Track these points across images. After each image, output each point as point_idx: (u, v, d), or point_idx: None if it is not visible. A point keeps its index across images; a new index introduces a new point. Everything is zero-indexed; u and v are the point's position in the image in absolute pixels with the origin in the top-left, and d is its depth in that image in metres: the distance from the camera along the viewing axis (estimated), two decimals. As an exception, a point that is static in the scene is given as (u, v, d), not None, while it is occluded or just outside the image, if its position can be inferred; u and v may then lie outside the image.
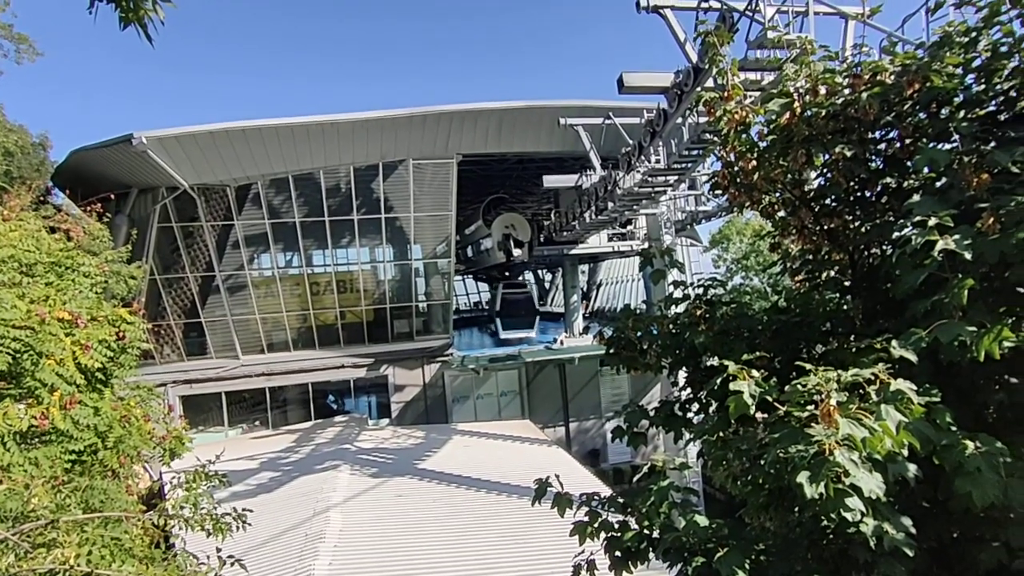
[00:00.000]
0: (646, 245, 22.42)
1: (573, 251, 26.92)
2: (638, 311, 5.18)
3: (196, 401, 23.72)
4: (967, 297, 2.87)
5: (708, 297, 4.59)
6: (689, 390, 4.61)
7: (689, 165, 15.43)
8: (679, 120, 13.69)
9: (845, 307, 4.45)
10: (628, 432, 4.58)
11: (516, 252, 27.80)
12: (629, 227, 26.20)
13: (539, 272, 47.93)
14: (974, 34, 3.56)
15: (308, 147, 21.52)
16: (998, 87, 3.45)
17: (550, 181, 20.55)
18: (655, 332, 4.86)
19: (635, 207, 19.28)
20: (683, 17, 12.34)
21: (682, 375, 4.69)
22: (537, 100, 22.13)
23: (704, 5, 11.83)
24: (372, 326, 25.30)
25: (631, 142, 16.76)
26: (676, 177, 16.26)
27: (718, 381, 3.16)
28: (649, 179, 16.21)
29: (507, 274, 37.58)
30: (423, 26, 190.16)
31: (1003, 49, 3.49)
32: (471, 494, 14.20)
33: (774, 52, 10.82)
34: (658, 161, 15.54)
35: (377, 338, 25.33)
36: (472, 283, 50.73)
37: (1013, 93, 3.46)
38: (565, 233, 24.26)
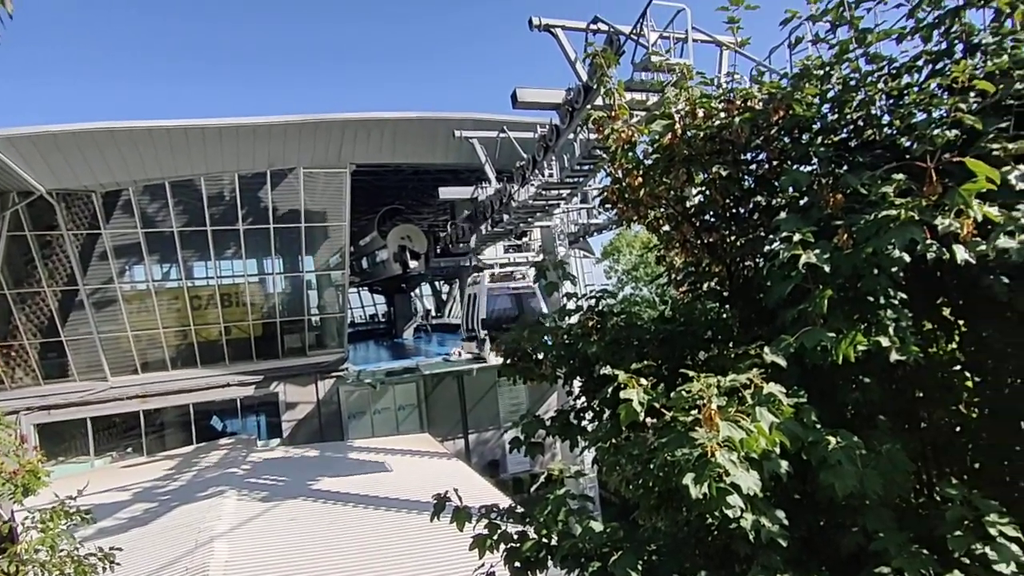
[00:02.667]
0: (541, 257, 22.91)
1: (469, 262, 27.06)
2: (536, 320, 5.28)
3: (56, 429, 21.45)
4: (827, 306, 3.16)
5: (600, 308, 4.76)
6: (583, 399, 4.74)
7: (581, 179, 15.95)
8: (571, 136, 14.15)
9: (725, 316, 4.76)
10: (525, 443, 4.64)
11: (412, 264, 27.54)
12: (525, 239, 26.69)
13: (436, 283, 47.69)
14: (828, 68, 3.95)
15: (187, 152, 20.22)
16: (848, 116, 3.85)
17: (446, 193, 20.57)
18: (550, 343, 4.97)
19: (530, 219, 19.67)
20: (576, 36, 12.77)
21: (576, 384, 4.82)
22: (433, 111, 22.13)
23: (593, 27, 12.32)
24: (261, 342, 24.05)
25: (525, 156, 17.11)
26: (569, 191, 16.76)
27: (609, 390, 3.28)
28: (543, 192, 16.60)
29: (404, 286, 37.13)
30: (312, 29, 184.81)
31: (852, 83, 3.90)
32: (369, 513, 13.81)
33: (658, 75, 11.43)
34: (551, 175, 15.96)
35: (266, 354, 24.11)
36: (368, 295, 49.60)
37: (861, 122, 3.87)
38: (462, 245, 24.32)
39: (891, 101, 3.73)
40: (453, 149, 22.15)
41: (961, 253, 2.92)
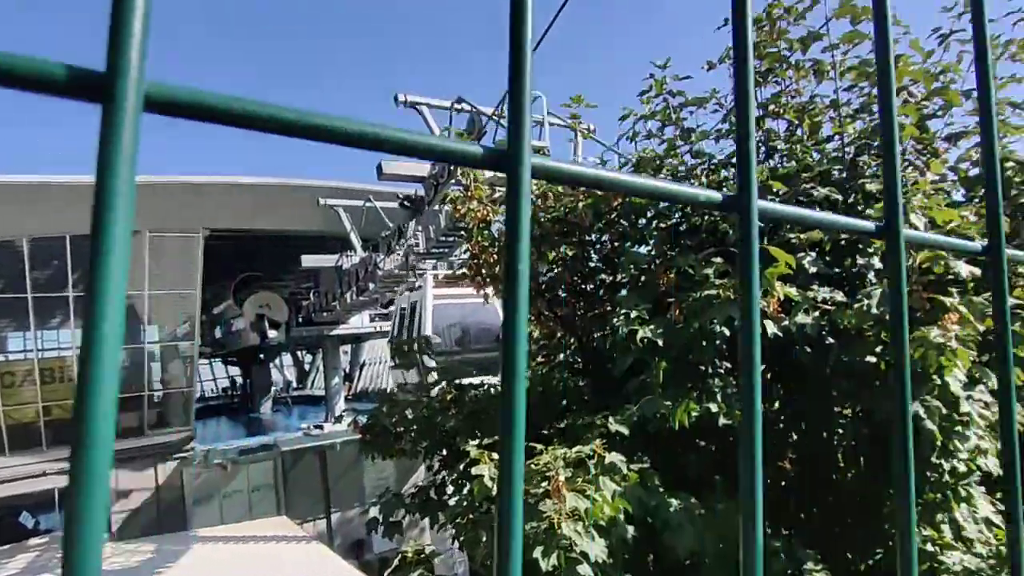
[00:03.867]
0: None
1: (334, 332, 26.13)
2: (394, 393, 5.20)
3: None
4: (663, 376, 3.44)
5: (459, 383, 4.80)
6: (444, 473, 4.70)
7: (447, 250, 16.22)
8: (437, 207, 14.45)
9: (578, 385, 4.98)
10: (384, 523, 4.48)
11: (272, 333, 26.11)
12: (391, 307, 26.41)
13: (299, 354, 45.40)
14: (659, 161, 4.43)
15: (5, 209, 18.13)
16: (677, 204, 4.32)
17: (309, 261, 20.00)
18: (410, 417, 4.91)
19: (396, 288, 19.55)
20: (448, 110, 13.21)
21: (437, 459, 4.78)
22: (296, 178, 21.68)
23: (457, 106, 12.88)
24: (89, 423, 21.29)
25: (391, 225, 17.17)
26: (436, 260, 16.95)
27: (461, 466, 3.29)
28: (407, 258, 16.66)
29: (262, 356, 34.96)
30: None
31: (680, 174, 4.40)
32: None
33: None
34: (417, 245, 16.10)
35: (95, 437, 21.35)
36: (221, 367, 46.02)
37: (688, 210, 4.35)
38: (325, 314, 23.55)
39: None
40: (318, 216, 21.71)
41: (770, 327, 3.32)
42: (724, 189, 4.33)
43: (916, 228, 3.72)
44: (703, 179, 4.39)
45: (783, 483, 4.58)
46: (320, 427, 23.03)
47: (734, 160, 4.54)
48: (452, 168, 12.76)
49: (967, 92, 3.93)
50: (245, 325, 26.84)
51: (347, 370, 38.59)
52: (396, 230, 16.37)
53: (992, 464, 3.41)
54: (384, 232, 17.27)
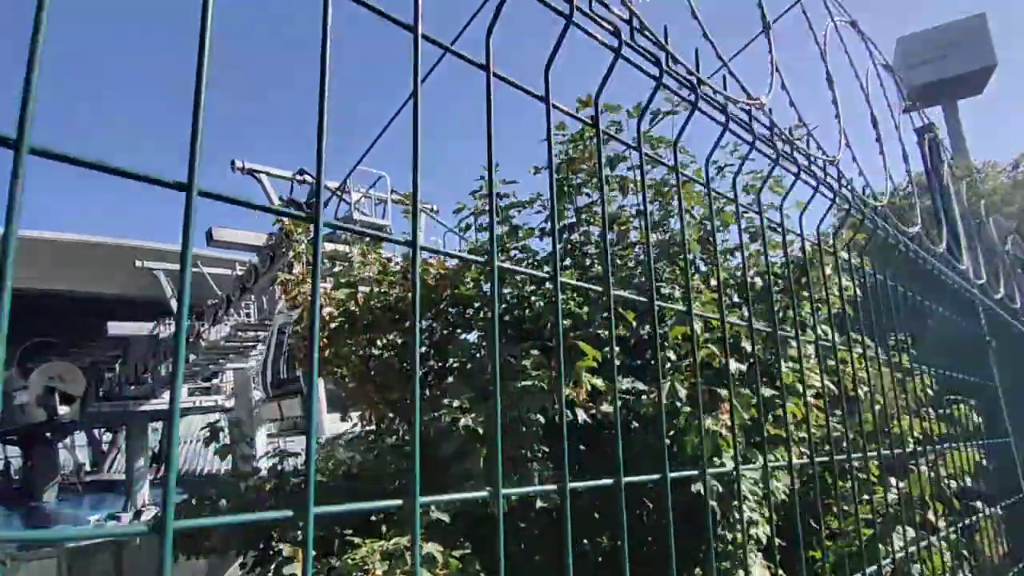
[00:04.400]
0: (232, 401, 21.02)
1: (143, 407, 23.43)
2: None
3: None
4: (484, 462, 3.60)
5: (280, 469, 4.60)
6: (258, 571, 4.40)
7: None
8: (273, 277, 13.90)
9: (408, 469, 4.98)
10: (184, 633, 4.06)
11: (63, 409, 22.80)
12: (215, 381, 24.33)
13: (96, 432, 39.83)
14: (485, 257, 4.74)
15: None
16: (504, 296, 4.65)
17: (116, 328, 18.04)
18: (224, 506, 4.58)
19: (221, 361, 18.18)
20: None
21: (252, 556, 4.47)
22: (107, 236, 19.76)
23: (299, 177, 12.71)
24: None
25: (220, 293, 16.14)
26: (267, 333, 16.11)
27: (272, 566, 3.16)
28: (238, 333, 15.66)
29: (48, 435, 30.22)
30: None
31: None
32: None
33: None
34: (248, 315, 15.25)
35: None
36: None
37: (513, 301, 4.68)
38: (133, 387, 21.13)
39: (534, 287, 4.62)
40: (134, 279, 19.81)
41: (580, 415, 3.64)
42: (546, 284, 4.75)
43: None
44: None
45: (600, 559, 4.86)
46: (116, 518, 20.14)
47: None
48: (290, 239, 12.45)
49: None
50: (30, 398, 23.19)
51: (156, 450, 34.42)
52: (225, 299, 15.39)
53: (762, 533, 3.93)
54: (211, 300, 16.15)
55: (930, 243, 3.01)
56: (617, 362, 3.99)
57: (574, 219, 4.69)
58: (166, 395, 23.15)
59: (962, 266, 3.33)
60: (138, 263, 18.11)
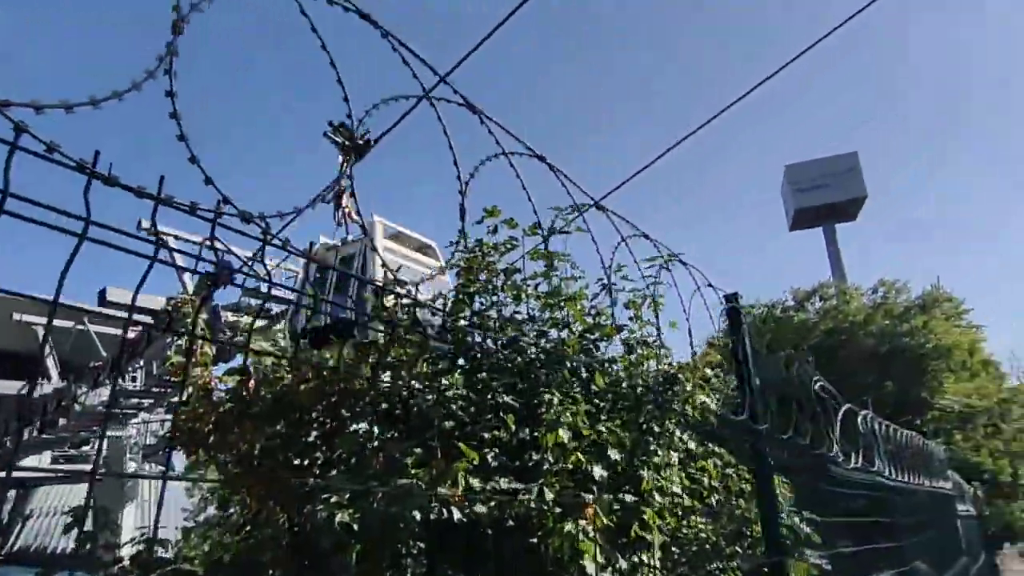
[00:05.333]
0: (103, 470, 19.28)
1: (-6, 475, 20.98)
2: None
3: None
4: (360, 558, 3.69)
5: (141, 557, 4.42)
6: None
7: (169, 390, 14.74)
8: (167, 342, 13.32)
9: (287, 558, 4.90)
10: None
11: None
12: (84, 448, 22.33)
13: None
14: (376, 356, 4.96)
15: None
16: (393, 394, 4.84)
17: (-20, 385, 16.48)
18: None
19: (96, 428, 16.86)
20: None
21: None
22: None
23: (208, 243, 12.51)
24: None
25: (105, 354, 15.21)
26: (152, 401, 15.22)
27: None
28: (120, 399, 14.70)
29: None
30: None
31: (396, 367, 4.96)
32: None
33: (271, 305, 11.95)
34: (134, 380, 14.41)
35: None
36: None
37: (404, 395, 4.87)
38: (-12, 452, 19.06)
39: (427, 383, 4.85)
40: (6, 333, 18.29)
41: (456, 513, 3.83)
42: (443, 379, 4.99)
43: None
44: (413, 371, 5.00)
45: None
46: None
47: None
48: (193, 304, 12.06)
49: (620, 327, 5.26)
50: None
51: (3, 521, 30.45)
52: (110, 361, 14.49)
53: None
54: (94, 361, 15.15)
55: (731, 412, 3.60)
56: (495, 463, 4.25)
57: (471, 322, 5.01)
58: (28, 460, 21.00)
59: (763, 426, 3.91)
60: (15, 316, 16.82)
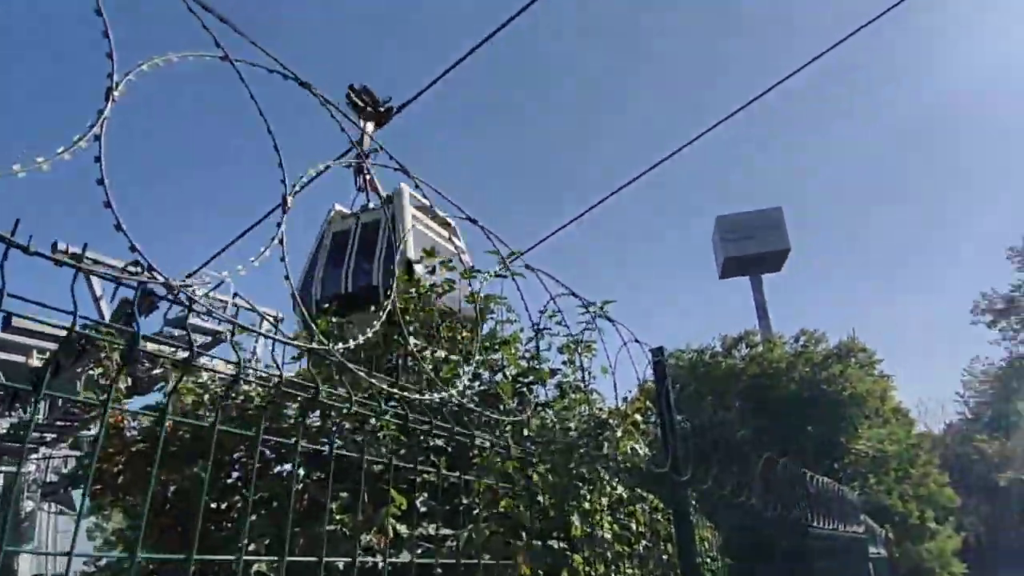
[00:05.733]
0: (-7, 512, 17.65)
1: None
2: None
3: None
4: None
5: None
6: None
7: (78, 424, 13.80)
8: (78, 371, 12.49)
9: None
10: None
11: None
12: (-25, 485, 20.44)
13: None
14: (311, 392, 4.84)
15: None
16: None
17: None
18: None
19: (-8, 462, 15.51)
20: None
21: None
22: None
23: (132, 269, 11.95)
24: None
25: (6, 383, 14.09)
26: (56, 435, 14.18)
27: None
28: (20, 432, 13.61)
29: None
30: None
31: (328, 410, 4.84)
32: None
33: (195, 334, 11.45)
34: (39, 413, 13.39)
35: None
36: None
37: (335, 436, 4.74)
38: None
39: (357, 424, 4.75)
40: None
41: (380, 562, 3.72)
42: (373, 421, 4.89)
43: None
44: (343, 412, 4.89)
45: None
46: None
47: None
48: (91, 346, 11.40)
49: (553, 371, 5.33)
50: None
51: None
52: (9, 392, 13.41)
53: None
54: (-7, 391, 13.98)
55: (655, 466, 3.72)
56: (424, 508, 4.17)
57: (406, 362, 4.96)
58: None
59: (684, 477, 4.04)
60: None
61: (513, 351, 5.03)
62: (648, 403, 5.28)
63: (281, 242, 1.73)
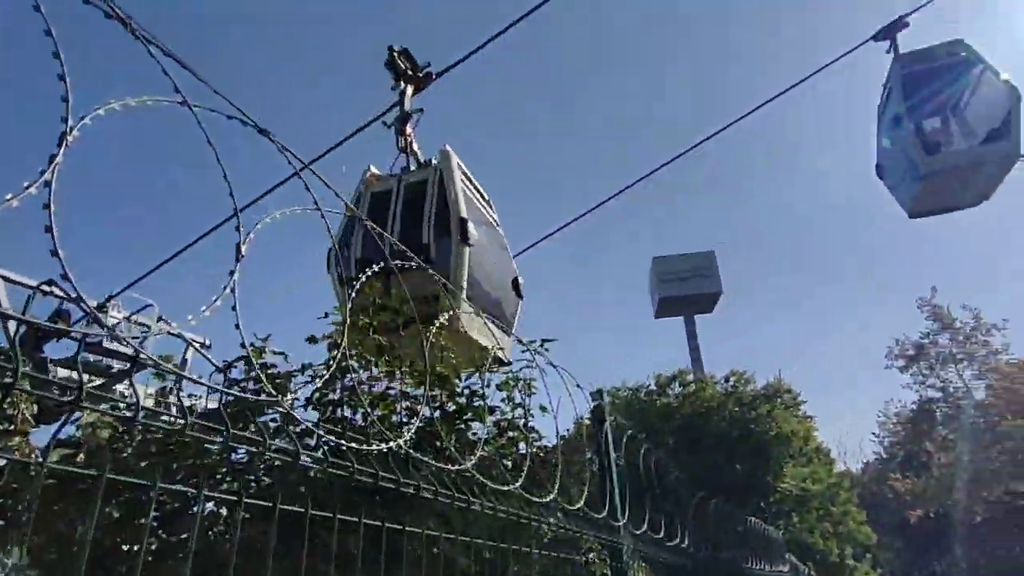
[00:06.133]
0: None
1: None
2: None
3: None
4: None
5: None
6: None
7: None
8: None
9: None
10: None
11: None
12: None
13: None
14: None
15: None
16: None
17: None
18: None
19: None
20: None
21: None
22: None
23: (46, 288, 11.29)
24: None
25: None
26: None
27: None
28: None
29: None
30: None
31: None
32: None
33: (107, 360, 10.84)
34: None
35: None
36: None
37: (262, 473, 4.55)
38: None
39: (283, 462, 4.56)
40: None
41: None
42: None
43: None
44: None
45: None
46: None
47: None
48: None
49: (492, 409, 5.30)
50: None
51: None
52: None
53: None
54: None
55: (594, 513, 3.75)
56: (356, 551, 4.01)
57: (343, 395, 4.83)
58: None
59: (619, 522, 4.08)
60: None
61: (452, 387, 4.97)
62: (589, 440, 5.30)
63: (233, 291, 1.67)
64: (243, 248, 1.81)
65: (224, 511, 4.44)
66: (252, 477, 4.36)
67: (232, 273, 1.75)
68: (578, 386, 4.13)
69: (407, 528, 3.32)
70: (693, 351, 60.17)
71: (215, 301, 1.67)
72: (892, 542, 38.68)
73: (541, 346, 5.34)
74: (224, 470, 4.43)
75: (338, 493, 4.39)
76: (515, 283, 5.28)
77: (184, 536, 4.33)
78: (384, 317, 4.54)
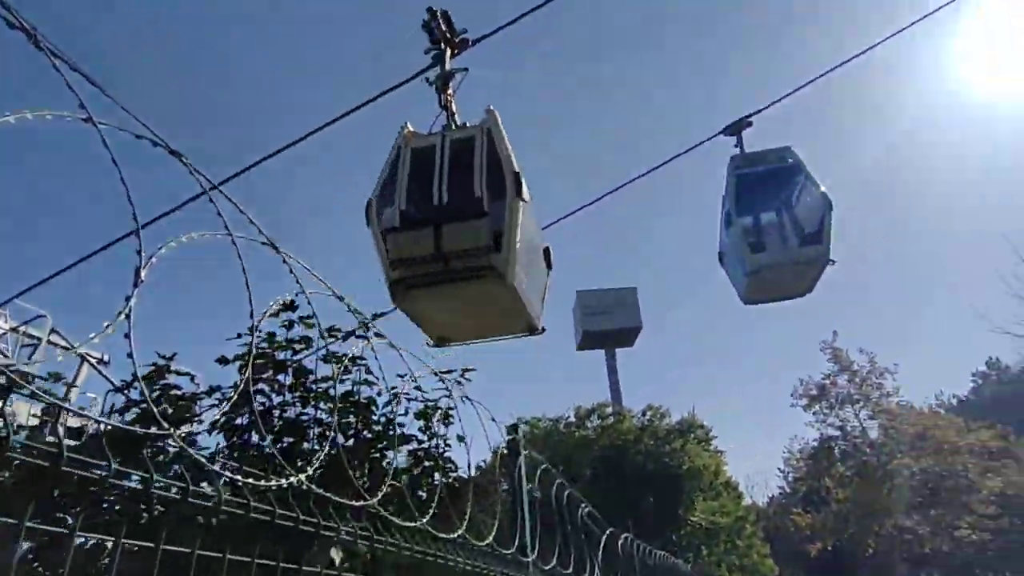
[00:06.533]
0: None
1: None
2: None
3: None
4: None
5: None
6: None
7: None
8: None
9: None
10: None
11: None
12: None
13: None
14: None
15: None
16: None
17: None
18: None
19: None
20: None
21: None
22: None
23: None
24: None
25: None
26: None
27: None
28: None
29: None
30: None
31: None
32: None
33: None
34: None
35: None
36: None
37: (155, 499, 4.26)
38: None
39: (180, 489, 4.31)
40: None
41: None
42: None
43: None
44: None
45: None
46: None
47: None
48: None
49: (407, 437, 5.24)
50: None
51: None
52: None
53: None
54: None
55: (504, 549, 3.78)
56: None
57: (253, 419, 4.63)
58: None
59: (528, 558, 4.12)
60: None
61: (368, 415, 4.87)
62: (499, 472, 5.29)
63: (128, 316, 1.59)
64: (143, 273, 1.73)
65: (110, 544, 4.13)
66: (144, 506, 4.07)
67: (128, 299, 1.66)
68: (493, 420, 4.15)
69: (304, 568, 3.19)
70: (613, 384, 61.32)
71: (107, 327, 1.59)
72: (793, 574, 40.27)
73: (462, 375, 5.31)
74: (115, 495, 4.13)
75: (239, 524, 4.17)
76: (547, 252, 5.32)
77: (61, 572, 3.99)
78: (433, 267, 4.34)
